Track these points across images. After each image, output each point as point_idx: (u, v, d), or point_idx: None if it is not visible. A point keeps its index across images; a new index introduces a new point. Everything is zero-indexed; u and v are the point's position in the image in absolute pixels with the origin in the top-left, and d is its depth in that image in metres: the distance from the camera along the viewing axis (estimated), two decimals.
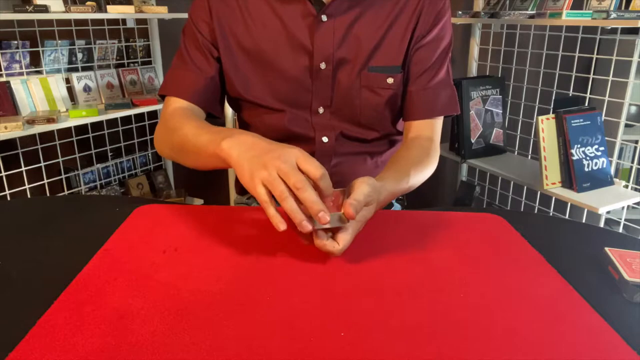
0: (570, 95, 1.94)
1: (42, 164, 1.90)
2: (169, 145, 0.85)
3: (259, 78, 0.91)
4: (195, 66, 0.91)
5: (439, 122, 0.95)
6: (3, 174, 1.80)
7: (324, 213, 0.58)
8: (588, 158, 1.62)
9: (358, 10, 0.88)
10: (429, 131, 0.93)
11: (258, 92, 0.92)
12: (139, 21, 2.16)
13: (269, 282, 0.59)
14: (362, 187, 0.64)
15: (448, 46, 0.94)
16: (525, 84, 2.07)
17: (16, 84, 1.75)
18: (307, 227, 0.59)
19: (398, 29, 0.90)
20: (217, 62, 0.92)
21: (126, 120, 2.19)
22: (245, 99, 0.93)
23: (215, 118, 0.98)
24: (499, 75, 2.13)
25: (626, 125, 1.95)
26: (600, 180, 1.64)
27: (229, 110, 2.11)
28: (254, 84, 0.92)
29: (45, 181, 1.93)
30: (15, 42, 1.77)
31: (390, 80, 0.91)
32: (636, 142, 1.93)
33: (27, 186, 1.87)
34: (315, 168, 0.59)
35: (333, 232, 0.64)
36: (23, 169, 1.84)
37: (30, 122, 1.66)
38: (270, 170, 0.59)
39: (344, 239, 0.63)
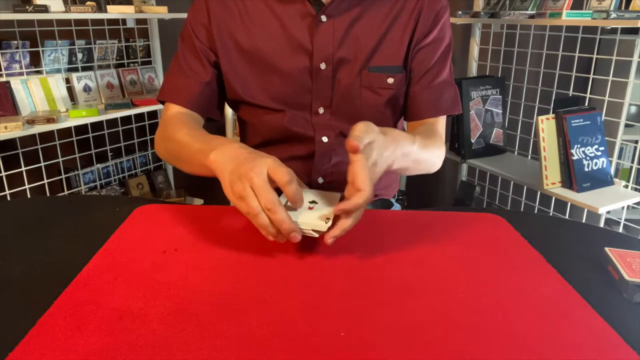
0: (570, 95, 1.94)
1: (42, 164, 1.90)
2: (165, 152, 0.88)
3: (258, 79, 0.91)
4: (192, 72, 0.91)
5: (442, 120, 0.95)
6: (3, 174, 1.80)
7: (295, 233, 0.61)
8: (588, 158, 1.62)
9: (357, 10, 0.88)
10: (432, 124, 0.93)
11: (257, 94, 0.92)
12: (139, 21, 2.16)
13: (269, 282, 0.59)
14: (357, 125, 0.64)
15: (448, 46, 0.94)
16: (525, 84, 2.07)
17: (16, 84, 1.75)
18: (282, 240, 0.62)
19: (397, 29, 0.90)
20: (214, 68, 0.92)
21: (126, 120, 2.19)
22: (245, 100, 0.93)
23: (215, 121, 0.98)
24: (499, 75, 2.13)
25: (626, 125, 1.95)
26: (600, 180, 1.64)
27: (229, 111, 2.11)
28: (253, 85, 0.92)
29: (45, 181, 1.93)
30: (15, 42, 1.77)
31: (390, 80, 0.91)
32: (636, 142, 1.93)
33: (27, 186, 1.87)
34: (281, 175, 0.61)
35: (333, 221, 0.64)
36: (23, 169, 1.84)
37: (30, 122, 1.66)
38: (245, 183, 0.61)
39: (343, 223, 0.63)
